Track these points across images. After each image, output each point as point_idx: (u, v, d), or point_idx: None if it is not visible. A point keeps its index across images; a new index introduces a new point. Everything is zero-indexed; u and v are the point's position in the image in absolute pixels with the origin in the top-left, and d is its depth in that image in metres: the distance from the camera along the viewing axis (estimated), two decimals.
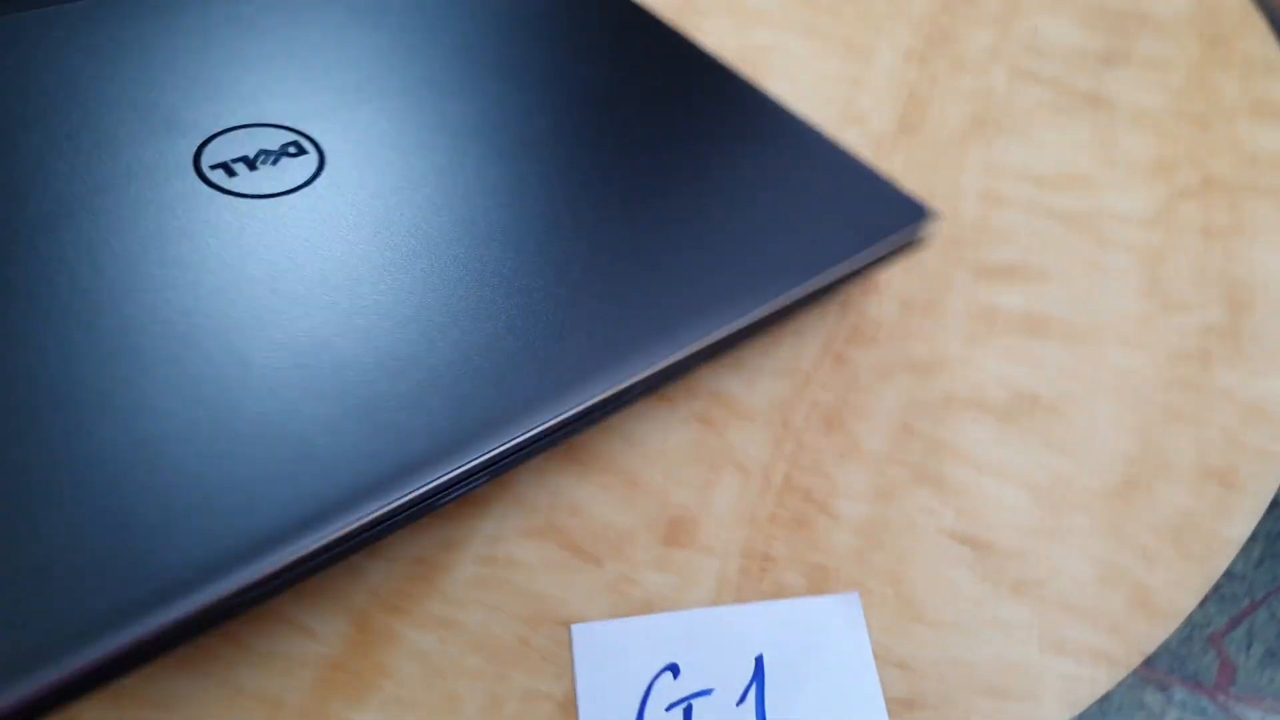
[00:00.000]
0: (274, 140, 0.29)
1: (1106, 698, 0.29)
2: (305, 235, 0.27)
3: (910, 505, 0.32)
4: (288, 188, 0.28)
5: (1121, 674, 0.29)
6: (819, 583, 0.30)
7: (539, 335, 0.27)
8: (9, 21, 0.29)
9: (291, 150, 0.29)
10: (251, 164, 0.28)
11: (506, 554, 0.30)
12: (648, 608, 0.29)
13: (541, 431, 0.25)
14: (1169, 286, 0.37)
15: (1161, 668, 0.29)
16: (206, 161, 0.28)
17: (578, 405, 0.26)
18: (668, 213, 0.31)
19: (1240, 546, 0.32)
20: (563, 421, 0.26)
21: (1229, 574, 0.31)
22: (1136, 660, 0.29)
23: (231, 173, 0.28)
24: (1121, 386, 0.35)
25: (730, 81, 0.35)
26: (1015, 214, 0.39)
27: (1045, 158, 0.41)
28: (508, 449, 0.25)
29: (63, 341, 0.23)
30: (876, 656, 0.29)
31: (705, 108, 0.34)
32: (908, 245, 0.33)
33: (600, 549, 0.30)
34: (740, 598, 0.30)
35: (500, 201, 0.30)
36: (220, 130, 0.29)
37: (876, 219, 0.32)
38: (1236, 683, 0.29)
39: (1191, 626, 0.30)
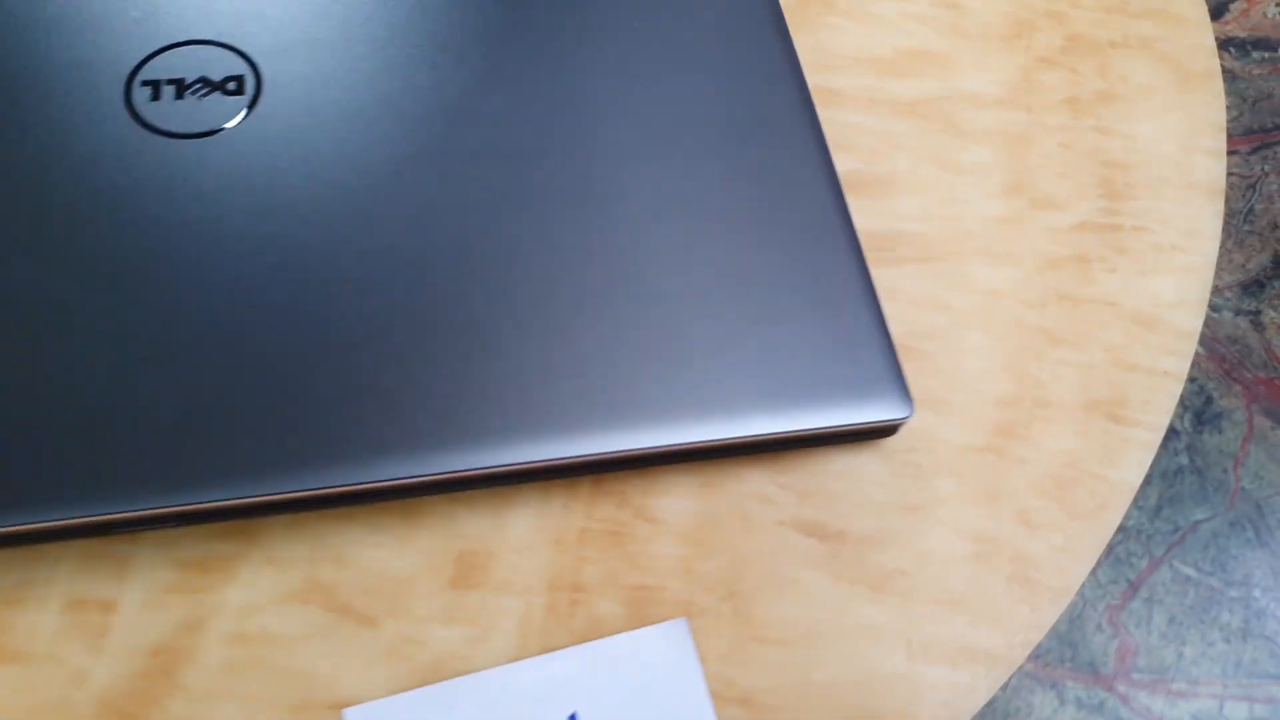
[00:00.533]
0: (216, 67, 0.27)
1: (990, 705, 0.24)
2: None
3: (740, 493, 0.26)
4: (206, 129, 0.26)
5: (1005, 675, 0.24)
6: (640, 609, 0.25)
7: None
8: None
9: (230, 88, 0.27)
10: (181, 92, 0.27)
11: (261, 627, 0.24)
12: (436, 673, 0.24)
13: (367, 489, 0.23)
14: (1036, 179, 0.32)
15: (1052, 659, 0.24)
16: (138, 91, 0.27)
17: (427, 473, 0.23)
18: (635, 284, 0.25)
19: (1135, 491, 0.27)
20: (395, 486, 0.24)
21: (1123, 529, 0.26)
22: (1021, 656, 0.24)
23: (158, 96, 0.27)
24: (990, 312, 0.29)
25: (802, 144, 0.28)
26: (853, 113, 0.33)
27: (883, 36, 0.34)
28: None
29: None
30: (714, 694, 0.24)
31: (756, 169, 0.27)
32: (870, 434, 0.27)
33: (375, 605, 0.25)
34: (548, 643, 0.24)
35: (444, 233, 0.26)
36: (160, 48, 0.27)
37: (858, 396, 0.25)
38: (1138, 666, 0.25)
39: (1084, 602, 0.25)
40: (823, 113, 0.33)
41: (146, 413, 0.23)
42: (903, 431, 0.28)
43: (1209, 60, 0.34)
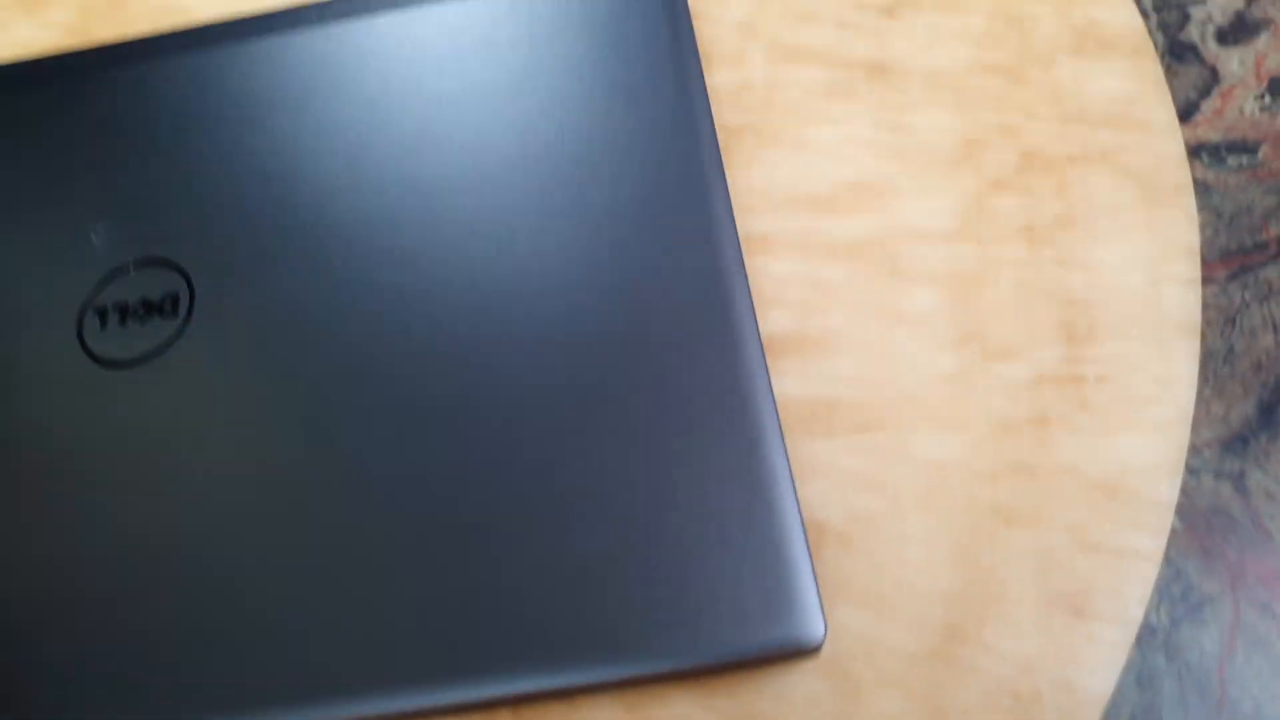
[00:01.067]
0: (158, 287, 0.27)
1: None
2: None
3: (667, 719, 0.24)
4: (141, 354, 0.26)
5: None
6: None
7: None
8: None
9: (165, 308, 0.27)
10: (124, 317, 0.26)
11: None
12: None
13: None
14: (988, 325, 0.29)
15: None
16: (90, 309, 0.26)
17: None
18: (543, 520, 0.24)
19: (1105, 702, 0.24)
20: None
21: None
22: None
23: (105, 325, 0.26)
24: (934, 489, 0.26)
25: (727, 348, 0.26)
26: (787, 260, 0.30)
27: (821, 168, 0.32)
28: None
29: None
30: None
31: (674, 365, 0.25)
32: (773, 659, 0.24)
33: None
34: None
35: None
36: (110, 272, 0.27)
37: (769, 623, 0.23)
38: None
39: None
40: (752, 262, 0.30)
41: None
42: (841, 637, 0.25)
43: (1178, 172, 0.31)
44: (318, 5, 0.30)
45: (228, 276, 0.26)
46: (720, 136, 0.32)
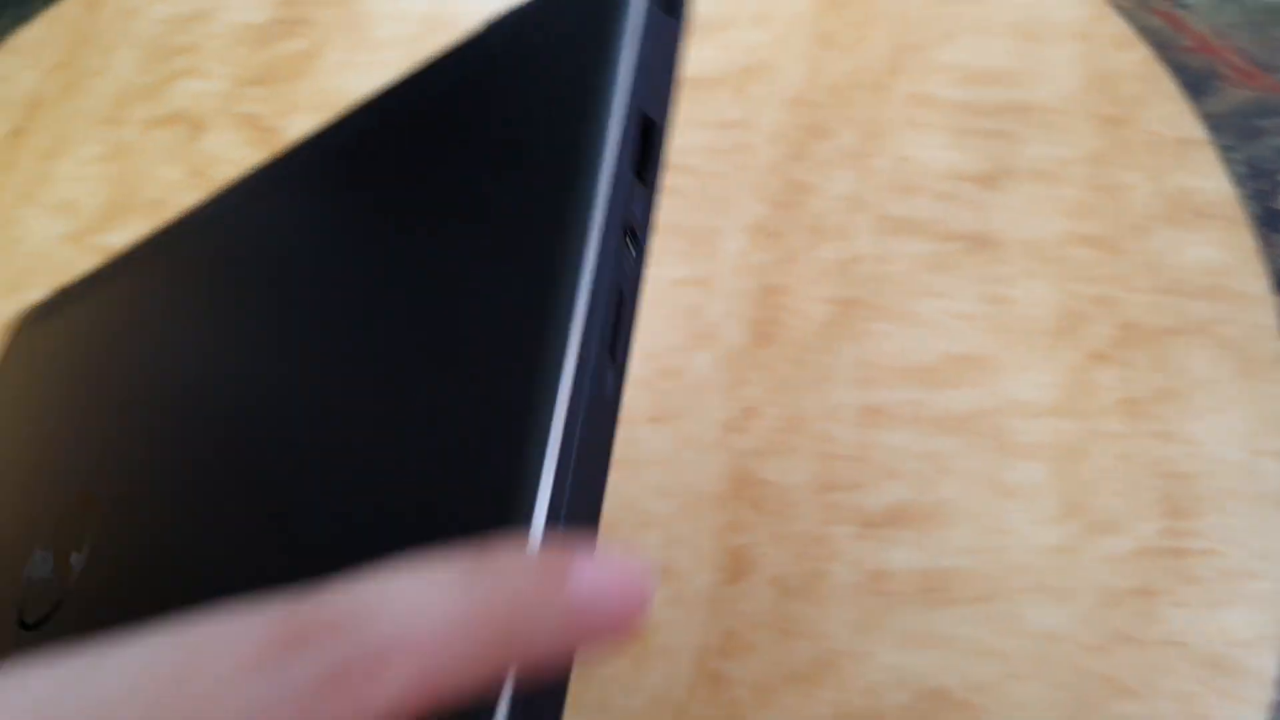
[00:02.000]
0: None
1: None
2: None
3: None
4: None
5: None
6: None
7: None
8: None
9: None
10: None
11: None
12: None
13: None
14: (1092, 498, 0.31)
15: None
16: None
17: None
18: None
19: None
20: None
21: None
22: None
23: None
24: (1045, 659, 0.29)
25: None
26: (899, 432, 0.33)
27: (928, 341, 0.34)
28: None
29: None
30: None
31: None
32: None
33: None
34: None
35: None
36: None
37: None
38: None
39: None
40: (871, 434, 0.33)
41: None
42: None
43: (1274, 344, 0.32)
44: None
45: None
46: (835, 308, 0.35)
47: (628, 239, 0.17)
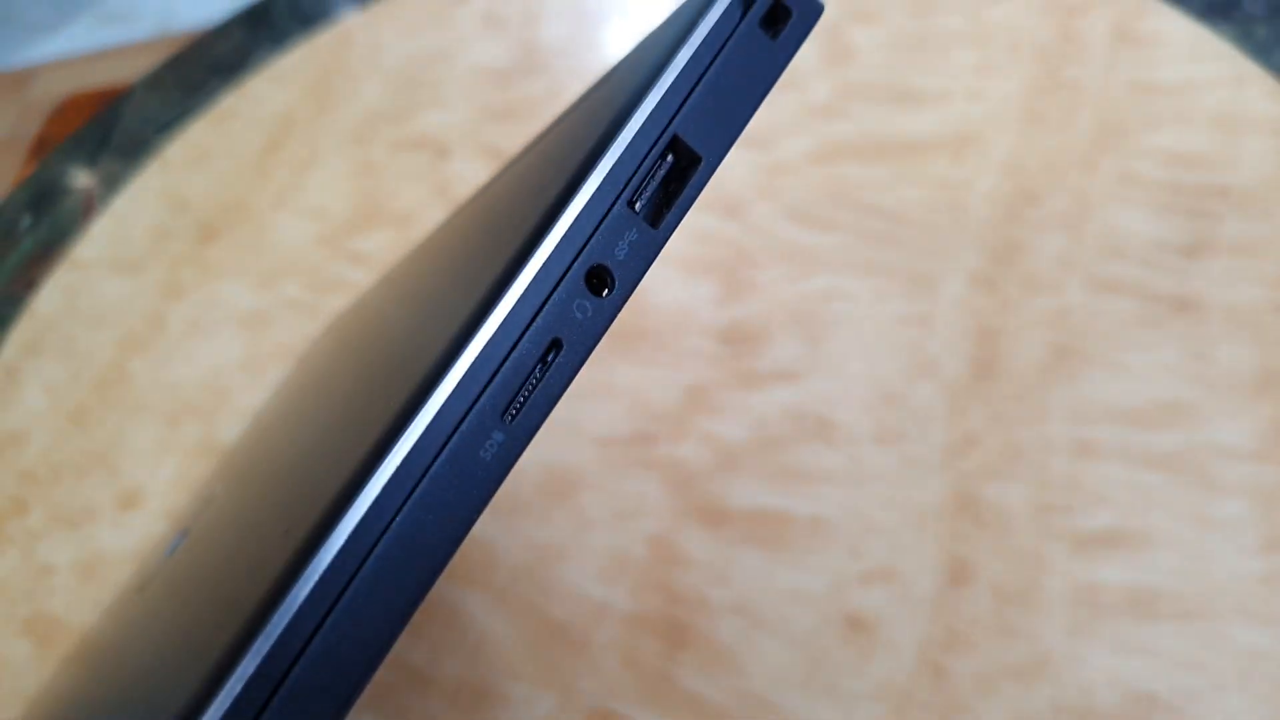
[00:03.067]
0: None
1: None
2: None
3: None
4: None
5: None
6: None
7: None
8: None
9: None
10: None
11: None
12: None
13: None
14: None
15: None
16: None
17: None
18: None
19: None
20: None
21: None
22: None
23: None
24: (1251, 673, 0.32)
25: None
26: (1109, 465, 0.37)
27: (1136, 387, 0.38)
28: None
29: None
30: None
31: None
32: None
33: None
34: None
35: None
36: None
37: None
38: None
39: None
40: (1082, 465, 0.37)
41: None
42: None
43: None
44: None
45: None
46: (1048, 351, 0.40)
47: (589, 280, 0.15)
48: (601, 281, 0.15)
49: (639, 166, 0.15)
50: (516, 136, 0.54)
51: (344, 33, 0.65)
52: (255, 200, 0.57)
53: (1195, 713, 0.32)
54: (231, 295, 0.53)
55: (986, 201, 0.45)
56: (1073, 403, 0.38)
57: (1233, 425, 0.37)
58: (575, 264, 0.14)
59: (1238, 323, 0.39)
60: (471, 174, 0.53)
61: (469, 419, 0.14)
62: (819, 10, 0.16)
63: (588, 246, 0.14)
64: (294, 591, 0.12)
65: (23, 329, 0.55)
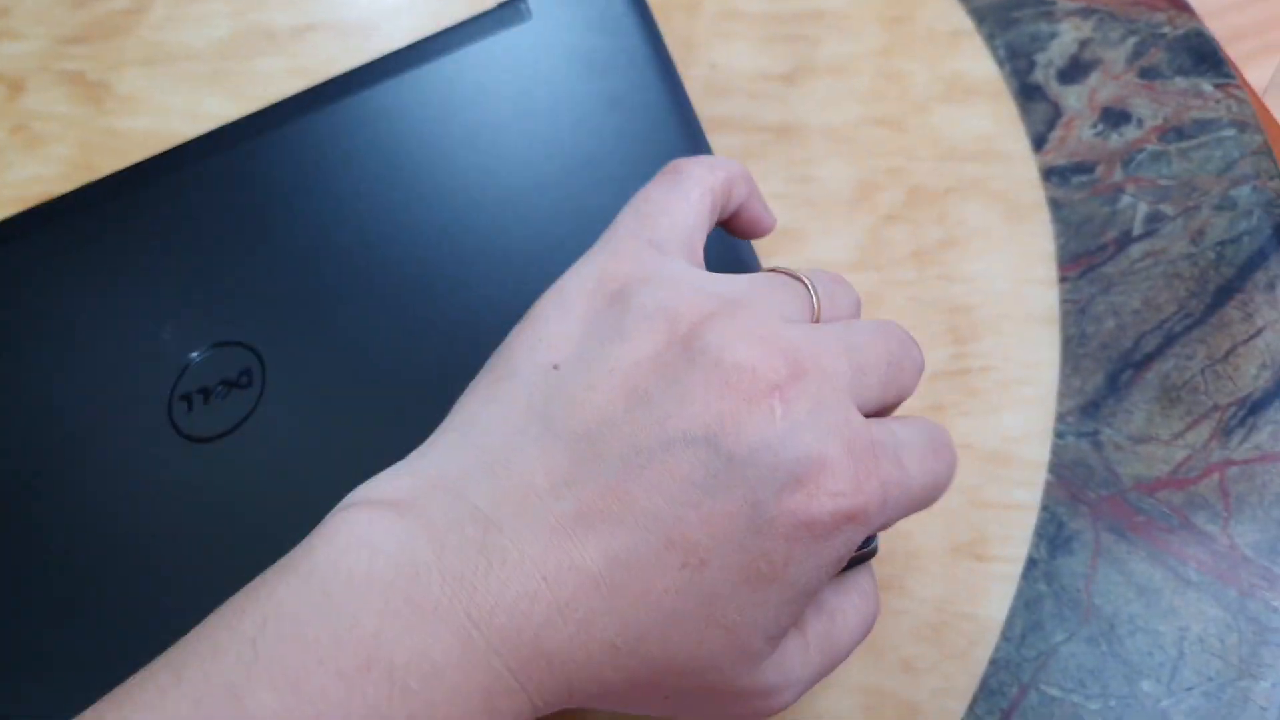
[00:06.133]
0: (231, 365, 0.31)
1: None
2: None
3: None
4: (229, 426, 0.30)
5: None
6: None
7: None
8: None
9: (242, 382, 0.31)
10: (209, 396, 0.31)
11: None
12: None
13: None
14: None
15: None
16: (176, 396, 0.31)
17: None
18: None
19: (1001, 626, 0.30)
20: None
21: (993, 662, 0.30)
22: None
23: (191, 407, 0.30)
24: None
25: None
26: None
27: None
28: None
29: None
30: None
31: None
32: None
33: None
34: None
35: None
36: (188, 361, 0.31)
37: None
38: None
39: None
40: None
41: None
42: None
43: (1035, 192, 0.37)
44: (313, 90, 0.35)
45: (291, 343, 0.31)
46: None
47: None
48: None
49: None
50: (100, 59, 0.48)
51: None
52: None
53: None
54: None
55: None
56: None
57: (835, 242, 0.38)
58: None
59: (835, 140, 0.40)
60: (51, 107, 0.48)
61: None
62: None
63: None
64: None
65: None
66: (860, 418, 0.21)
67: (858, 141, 0.40)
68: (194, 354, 0.31)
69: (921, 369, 0.24)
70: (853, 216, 0.38)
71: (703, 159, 0.26)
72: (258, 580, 0.20)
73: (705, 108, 0.41)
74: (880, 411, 0.23)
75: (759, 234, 0.28)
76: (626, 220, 0.25)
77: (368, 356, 0.30)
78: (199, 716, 0.17)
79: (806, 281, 0.24)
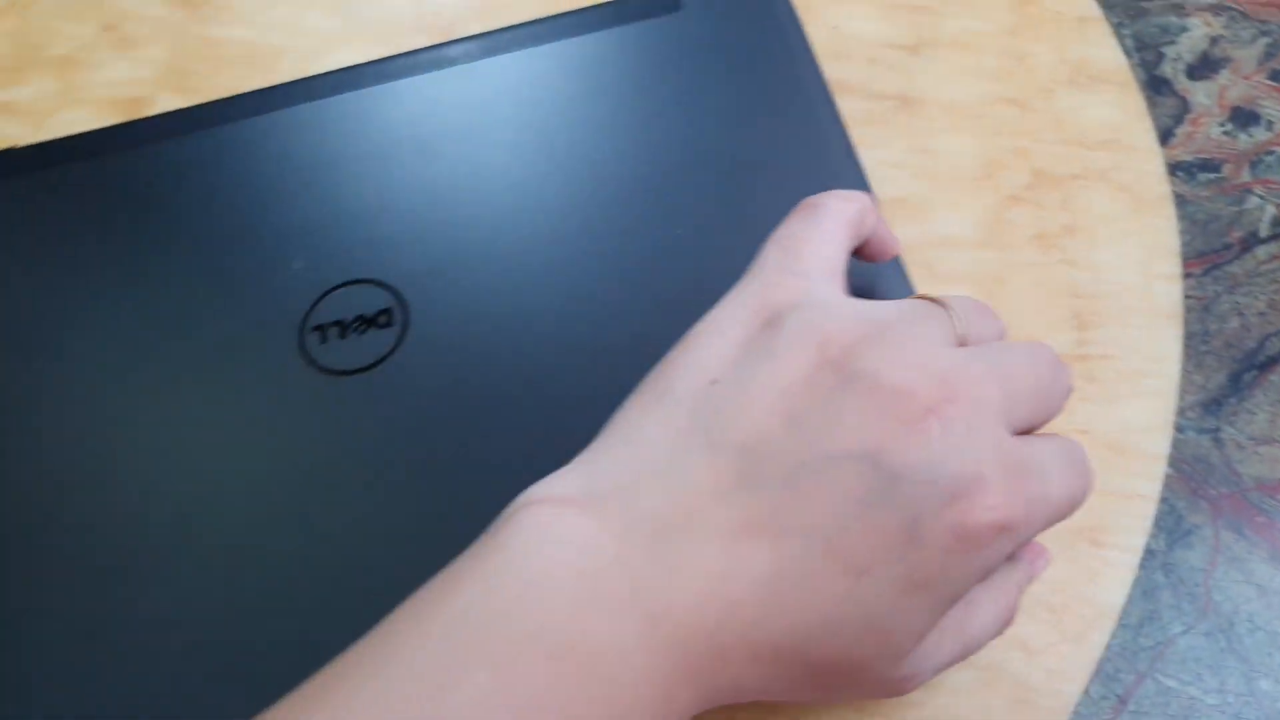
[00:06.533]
0: (369, 303, 0.31)
1: None
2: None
3: None
4: (369, 362, 0.30)
5: None
6: None
7: None
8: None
9: (381, 321, 0.30)
10: (345, 331, 0.30)
11: None
12: None
13: None
14: (1011, 316, 0.35)
15: None
16: (309, 328, 0.30)
17: None
18: None
19: (1119, 612, 0.30)
20: None
21: (1109, 647, 0.30)
22: None
23: (325, 340, 0.30)
24: None
25: None
26: None
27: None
28: None
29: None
30: None
31: None
32: None
33: None
34: None
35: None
36: (322, 293, 0.31)
37: None
38: None
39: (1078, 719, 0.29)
40: None
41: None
42: None
43: (1161, 186, 0.37)
44: (460, 43, 0.35)
45: (432, 289, 0.31)
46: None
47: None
48: None
49: None
50: None
51: None
52: None
53: None
54: None
55: None
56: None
57: (958, 216, 0.37)
58: None
59: (956, 114, 0.39)
60: (146, 7, 0.46)
61: None
62: None
63: None
64: None
65: None
66: (1009, 438, 0.22)
67: (982, 118, 0.39)
68: (328, 288, 0.31)
69: (1069, 392, 0.25)
70: (976, 193, 0.37)
71: (836, 193, 0.27)
72: (446, 574, 0.21)
73: (825, 70, 0.41)
74: (1027, 430, 0.23)
75: (886, 257, 0.29)
76: (772, 253, 0.26)
77: (513, 315, 0.30)
78: (418, 696, 0.18)
79: (950, 308, 0.24)
